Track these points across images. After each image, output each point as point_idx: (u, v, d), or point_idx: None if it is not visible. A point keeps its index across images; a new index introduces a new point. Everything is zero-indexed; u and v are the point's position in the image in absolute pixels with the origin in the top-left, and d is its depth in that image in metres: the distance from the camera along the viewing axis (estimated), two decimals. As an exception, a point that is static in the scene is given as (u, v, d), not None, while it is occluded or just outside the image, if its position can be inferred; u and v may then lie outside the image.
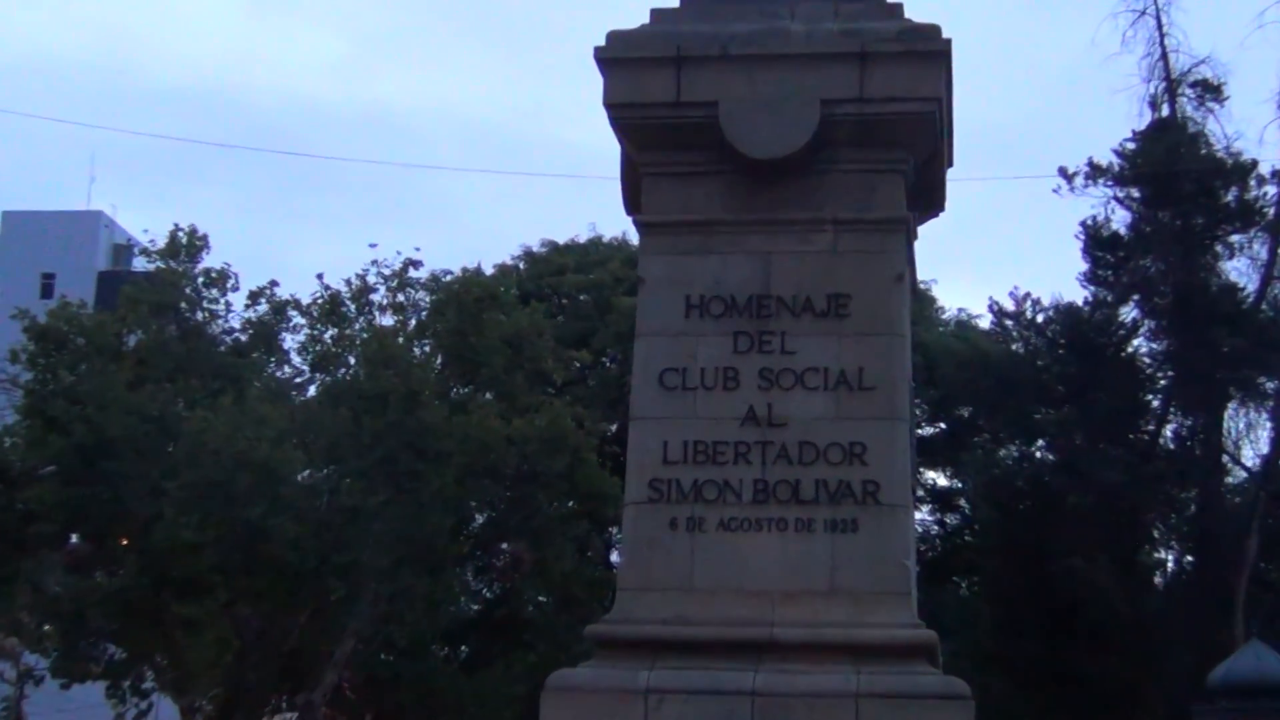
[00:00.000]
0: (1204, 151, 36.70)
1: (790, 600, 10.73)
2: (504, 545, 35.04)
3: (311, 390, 32.26)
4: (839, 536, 10.83)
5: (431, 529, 28.83)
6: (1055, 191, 37.18)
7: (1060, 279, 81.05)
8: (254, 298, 32.48)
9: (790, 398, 11.10)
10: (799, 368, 11.14)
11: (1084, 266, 37.87)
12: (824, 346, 11.15)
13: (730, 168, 11.44)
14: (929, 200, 12.30)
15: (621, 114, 11.57)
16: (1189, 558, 38.09)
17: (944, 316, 47.47)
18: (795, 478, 10.93)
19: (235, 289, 32.36)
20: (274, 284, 32.67)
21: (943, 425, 43.79)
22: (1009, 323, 39.27)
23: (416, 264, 32.36)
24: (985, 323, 42.29)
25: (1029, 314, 38.70)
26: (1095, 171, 36.96)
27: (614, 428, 36.42)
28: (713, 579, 10.88)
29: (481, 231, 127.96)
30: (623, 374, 35.83)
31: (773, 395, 11.11)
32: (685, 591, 10.88)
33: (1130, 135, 37.08)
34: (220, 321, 32.60)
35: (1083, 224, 37.58)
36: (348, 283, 32.30)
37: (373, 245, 34.33)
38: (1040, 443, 39.16)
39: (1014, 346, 39.22)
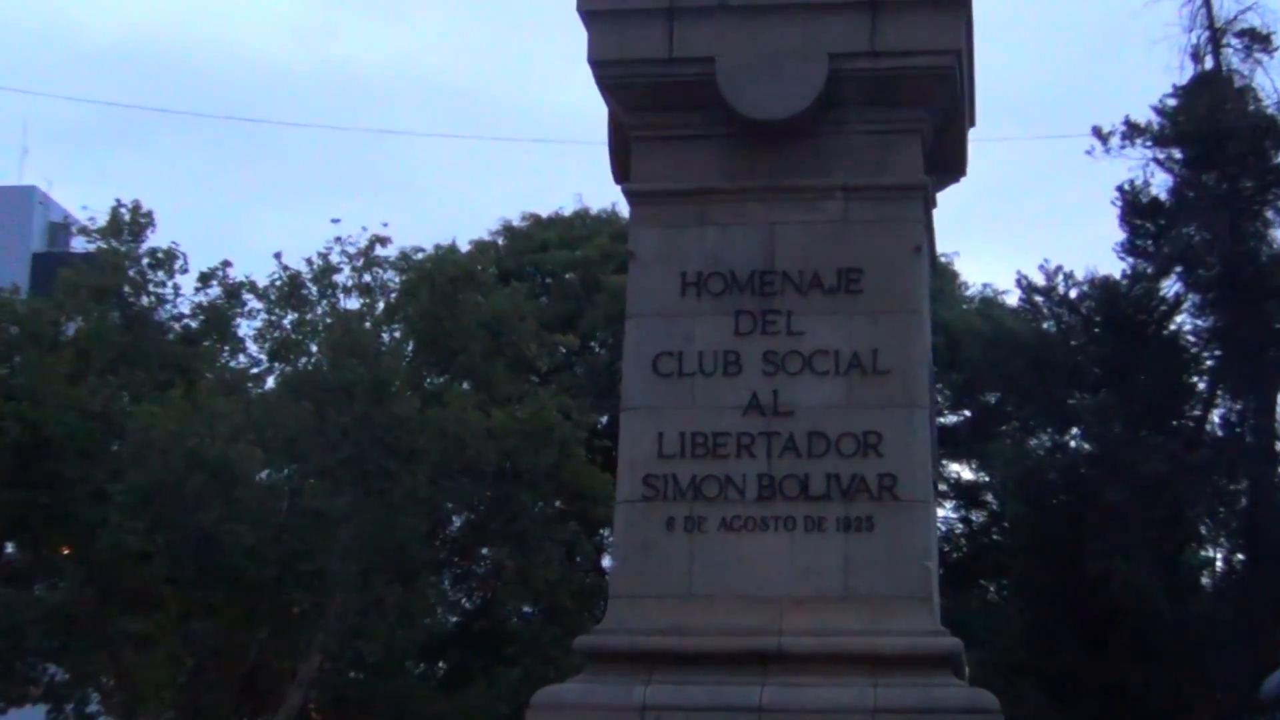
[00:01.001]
0: (1252, 107, 36.68)
1: (800, 607, 10.75)
2: (484, 550, 35.05)
3: (270, 382, 32.24)
4: (853, 536, 10.85)
5: (404, 533, 28.81)
6: (1089, 153, 37.18)
7: (1095, 250, 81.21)
8: (205, 280, 32.45)
9: (798, 383, 11.12)
10: (807, 350, 11.16)
11: (1121, 236, 37.89)
12: (834, 326, 11.17)
13: (729, 130, 11.45)
14: (949, 164, 12.32)
15: (608, 72, 11.58)
16: (1239, 556, 38.10)
17: (967, 293, 47.49)
18: (804, 472, 10.95)
19: (184, 271, 32.32)
20: (227, 265, 32.65)
21: (967, 413, 43.82)
22: (1039, 299, 39.26)
23: (384, 241, 32.33)
24: (1013, 299, 42.30)
25: (1061, 289, 38.69)
26: (1132, 131, 36.96)
27: (604, 419, 36.43)
28: (714, 584, 10.90)
29: (456, 204, 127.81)
30: (613, 360, 35.83)
31: (778, 381, 11.14)
32: (684, 598, 10.91)
33: (1170, 90, 37.08)
34: (168, 307, 32.55)
35: (1119, 189, 37.60)
36: (308, 262, 32.27)
37: (335, 220, 34.52)
38: (1075, 431, 39.17)
39: (1045, 325, 39.23)
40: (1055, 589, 35.45)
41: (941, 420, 39.79)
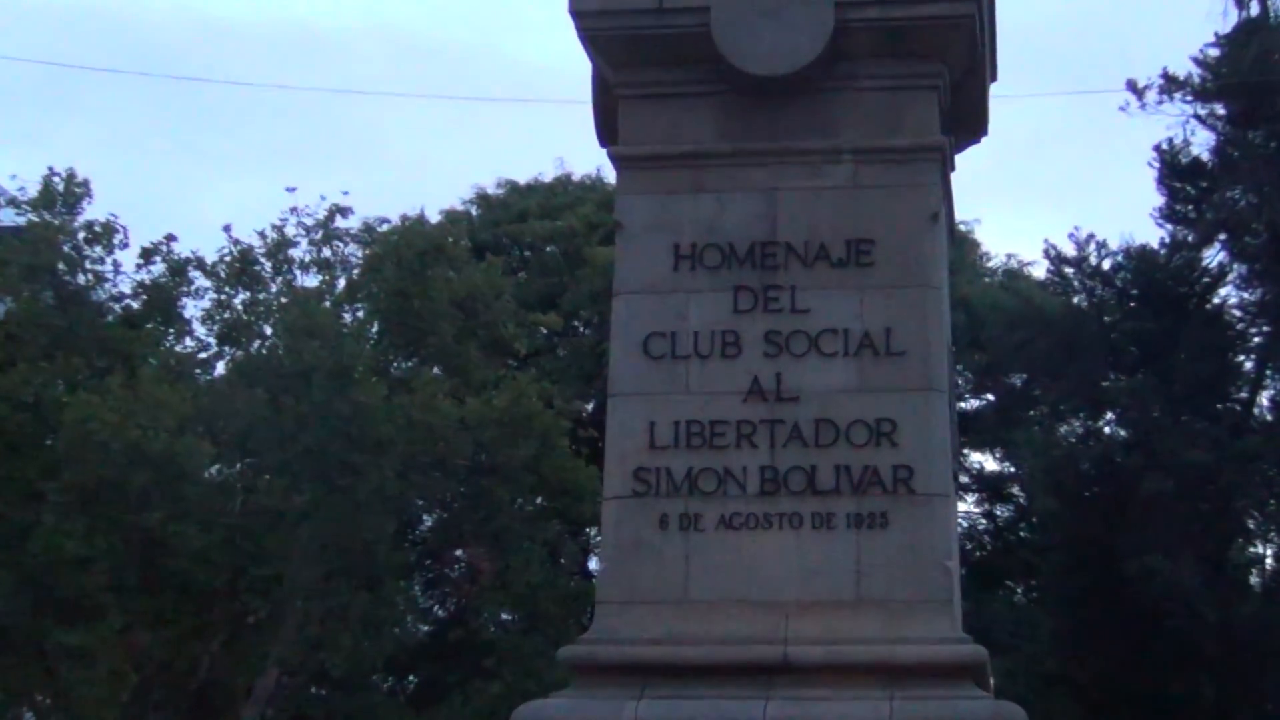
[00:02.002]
0: (1303, 58, 36.67)
1: (807, 612, 10.79)
2: (458, 552, 35.08)
3: (220, 368, 32.22)
4: (865, 534, 10.88)
5: (370, 534, 28.84)
6: (1123, 110, 37.19)
7: (1131, 216, 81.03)
8: (147, 256, 32.39)
9: (803, 366, 11.15)
10: (813, 329, 11.18)
11: (1159, 200, 37.93)
12: (843, 303, 11.19)
13: (726, 87, 11.47)
14: (968, 123, 12.34)
15: (592, 24, 11.58)
16: (1291, 553, 38.22)
17: (990, 264, 47.57)
18: (811, 463, 10.98)
19: (124, 246, 32.26)
20: (171, 239, 32.60)
21: (990, 397, 43.91)
22: (1069, 271, 39.28)
23: (345, 211, 32.30)
24: (1040, 271, 42.37)
25: (1093, 260, 38.71)
26: (1170, 84, 36.95)
27: (590, 407, 36.48)
28: (712, 588, 10.93)
29: (424, 171, 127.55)
30: (600, 341, 35.86)
31: (782, 363, 11.16)
32: (679, 604, 10.94)
33: (1213, 39, 37.08)
34: (107, 286, 32.52)
35: (1157, 149, 37.60)
36: (261, 235, 32.25)
37: (291, 189, 34.31)
38: (1109, 416, 39.24)
39: (1075, 300, 39.26)
40: (1089, 590, 35.52)
41: (962, 406, 39.84)
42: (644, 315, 11.35)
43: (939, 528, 10.95)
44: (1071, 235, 39.01)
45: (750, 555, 10.91)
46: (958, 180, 12.53)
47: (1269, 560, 39.87)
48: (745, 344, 11.20)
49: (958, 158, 12.45)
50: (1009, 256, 47.90)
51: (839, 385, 11.08)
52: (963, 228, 42.72)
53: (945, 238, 11.96)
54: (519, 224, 43.86)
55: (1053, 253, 39.41)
